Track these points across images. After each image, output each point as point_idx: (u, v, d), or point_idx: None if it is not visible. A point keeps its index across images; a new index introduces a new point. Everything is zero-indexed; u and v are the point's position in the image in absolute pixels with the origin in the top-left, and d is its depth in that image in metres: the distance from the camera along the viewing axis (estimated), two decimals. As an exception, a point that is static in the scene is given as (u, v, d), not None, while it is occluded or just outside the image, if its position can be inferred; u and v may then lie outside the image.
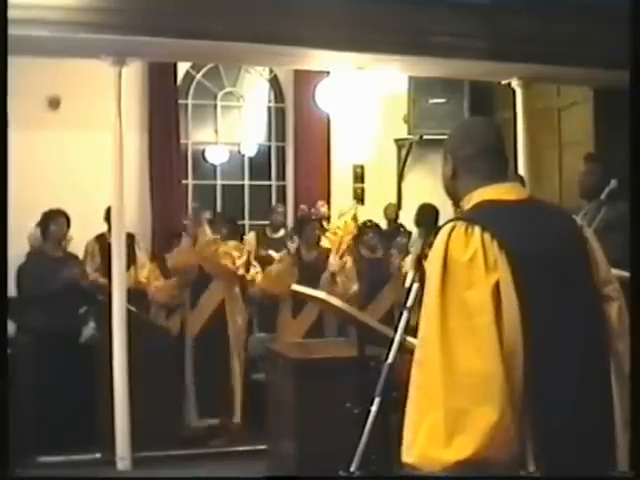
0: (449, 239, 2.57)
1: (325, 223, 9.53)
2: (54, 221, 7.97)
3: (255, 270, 8.48)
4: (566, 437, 2.47)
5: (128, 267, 8.26)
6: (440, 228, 2.65)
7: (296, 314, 8.12)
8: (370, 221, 8.91)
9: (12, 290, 7.85)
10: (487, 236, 2.54)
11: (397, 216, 10.93)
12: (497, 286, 2.49)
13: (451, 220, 2.64)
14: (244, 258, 8.30)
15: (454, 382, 2.43)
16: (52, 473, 6.93)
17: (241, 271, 8.21)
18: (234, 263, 8.12)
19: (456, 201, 2.85)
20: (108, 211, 7.99)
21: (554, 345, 2.51)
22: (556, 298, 2.56)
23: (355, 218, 8.95)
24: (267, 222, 10.32)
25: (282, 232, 9.92)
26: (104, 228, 8.77)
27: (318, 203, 10.62)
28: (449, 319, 2.48)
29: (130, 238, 9.02)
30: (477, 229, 2.55)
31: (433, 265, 2.58)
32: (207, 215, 8.38)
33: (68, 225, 8.04)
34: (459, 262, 2.52)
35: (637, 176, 2.77)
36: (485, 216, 2.62)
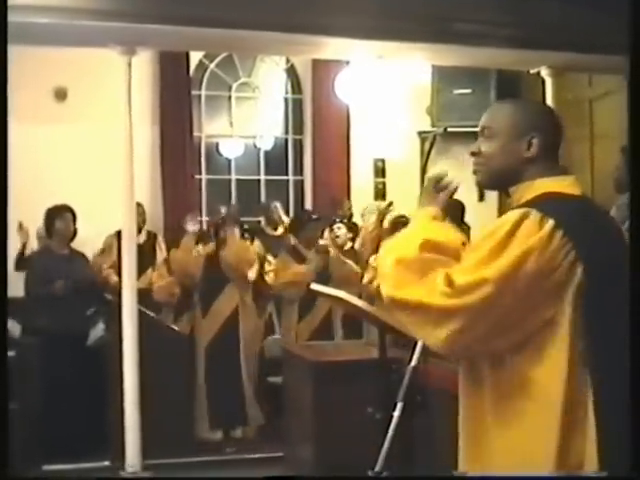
0: (518, 229, 2.51)
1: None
2: (60, 217, 7.96)
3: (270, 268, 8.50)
4: (625, 437, 2.43)
5: (147, 267, 8.29)
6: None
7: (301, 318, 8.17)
8: (402, 216, 8.81)
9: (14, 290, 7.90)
10: (560, 233, 2.49)
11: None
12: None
13: (519, 207, 2.59)
14: (257, 263, 8.33)
15: None
16: (59, 481, 6.94)
17: (253, 275, 8.23)
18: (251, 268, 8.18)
19: (505, 183, 2.79)
20: None
21: (614, 347, 2.49)
22: (617, 303, 2.51)
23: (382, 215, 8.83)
24: (261, 219, 10.36)
25: (281, 230, 9.82)
26: (115, 227, 8.75)
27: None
28: None
29: (153, 238, 9.03)
30: (551, 223, 2.50)
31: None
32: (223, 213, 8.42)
33: (74, 221, 8.03)
34: None
35: (637, 175, 2.74)
36: (558, 210, 2.56)
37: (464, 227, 7.47)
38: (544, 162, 2.72)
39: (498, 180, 2.81)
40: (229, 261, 8.03)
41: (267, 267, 8.52)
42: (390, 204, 8.87)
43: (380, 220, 8.71)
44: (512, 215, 2.55)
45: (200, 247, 8.17)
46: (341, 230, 9.20)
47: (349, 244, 8.90)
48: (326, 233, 9.02)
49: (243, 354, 8.12)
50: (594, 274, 2.48)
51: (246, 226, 9.10)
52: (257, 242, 8.99)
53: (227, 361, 8.02)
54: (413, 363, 3.15)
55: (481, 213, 9.57)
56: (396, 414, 3.19)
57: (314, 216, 8.92)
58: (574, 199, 2.66)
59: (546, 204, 2.57)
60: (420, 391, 3.14)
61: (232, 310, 8.11)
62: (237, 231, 8.14)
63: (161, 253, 9.12)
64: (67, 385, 7.56)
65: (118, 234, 8.50)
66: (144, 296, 7.76)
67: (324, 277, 7.88)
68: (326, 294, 5.64)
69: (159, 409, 7.14)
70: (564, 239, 2.48)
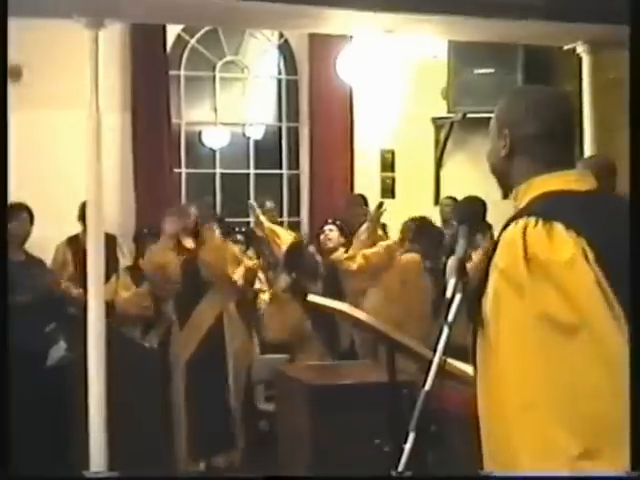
0: (525, 241, 2.50)
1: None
2: (15, 218, 7.92)
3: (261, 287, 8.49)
4: None
5: (109, 276, 8.24)
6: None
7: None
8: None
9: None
10: (573, 235, 2.47)
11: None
12: None
13: (517, 218, 2.59)
14: (243, 267, 8.32)
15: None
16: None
17: (240, 281, 8.21)
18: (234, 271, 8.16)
19: (505, 185, 2.83)
20: (83, 208, 7.90)
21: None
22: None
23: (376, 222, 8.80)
24: (250, 220, 10.33)
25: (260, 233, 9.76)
26: (78, 228, 8.72)
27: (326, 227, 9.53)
28: None
29: (111, 241, 8.99)
30: (559, 226, 2.49)
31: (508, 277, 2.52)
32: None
33: (31, 222, 8.00)
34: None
35: (637, 174, 2.75)
36: (563, 210, 2.55)
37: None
38: (533, 158, 2.73)
39: (498, 179, 2.87)
40: (206, 260, 8.02)
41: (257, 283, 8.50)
42: (381, 205, 8.77)
43: (375, 226, 8.67)
44: (513, 232, 2.56)
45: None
46: (332, 233, 9.07)
47: (341, 250, 8.79)
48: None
49: (232, 371, 8.14)
50: (612, 273, 2.46)
51: (237, 228, 9.12)
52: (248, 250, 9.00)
53: (212, 379, 8.01)
54: (427, 387, 3.10)
55: (506, 211, 9.56)
56: (407, 446, 3.14)
57: (310, 248, 8.86)
58: (579, 195, 2.65)
59: (544, 205, 2.59)
60: (435, 420, 3.11)
61: (215, 318, 8.12)
62: (217, 229, 8.11)
63: (124, 259, 9.10)
64: (23, 413, 7.50)
65: (70, 241, 8.53)
66: (108, 309, 7.73)
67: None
68: (326, 307, 5.63)
69: (129, 439, 7.11)
70: (579, 239, 2.47)
